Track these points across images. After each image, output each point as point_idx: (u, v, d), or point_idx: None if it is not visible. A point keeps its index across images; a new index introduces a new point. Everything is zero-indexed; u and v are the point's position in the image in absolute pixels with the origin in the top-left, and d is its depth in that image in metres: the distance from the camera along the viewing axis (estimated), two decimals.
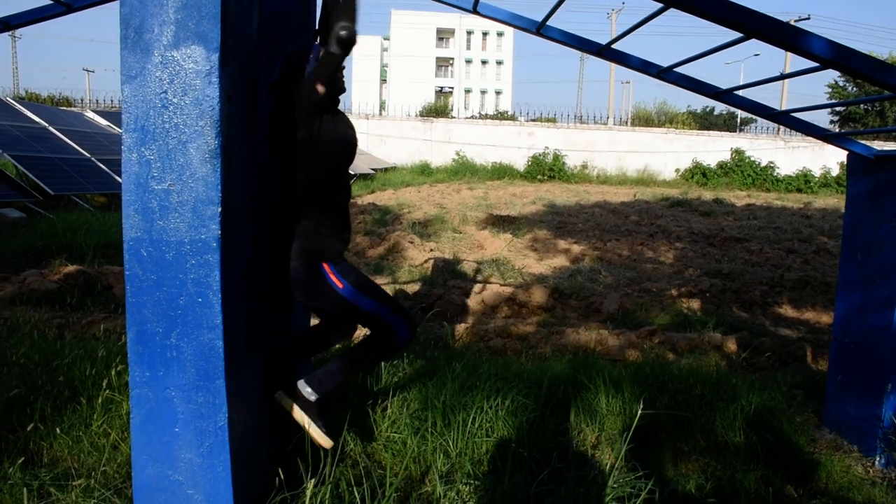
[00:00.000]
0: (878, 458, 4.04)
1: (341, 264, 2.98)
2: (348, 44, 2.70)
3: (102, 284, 7.39)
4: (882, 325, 4.05)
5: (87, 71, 54.51)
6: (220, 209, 2.24)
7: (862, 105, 45.77)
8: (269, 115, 2.93)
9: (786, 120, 4.14)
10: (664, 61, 4.04)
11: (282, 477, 2.85)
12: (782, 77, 3.73)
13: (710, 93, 4.00)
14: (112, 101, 36.85)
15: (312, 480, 2.60)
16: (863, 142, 4.23)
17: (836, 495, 3.55)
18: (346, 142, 3.07)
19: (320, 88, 2.82)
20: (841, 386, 4.41)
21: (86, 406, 3.64)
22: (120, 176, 8.12)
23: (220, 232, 2.25)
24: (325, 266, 2.92)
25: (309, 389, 3.00)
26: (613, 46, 3.86)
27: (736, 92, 3.99)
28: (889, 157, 4.08)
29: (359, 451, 3.44)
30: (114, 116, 21.33)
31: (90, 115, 21.08)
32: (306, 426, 2.96)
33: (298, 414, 2.97)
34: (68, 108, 27.91)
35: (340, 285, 2.92)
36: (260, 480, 2.75)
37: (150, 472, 2.39)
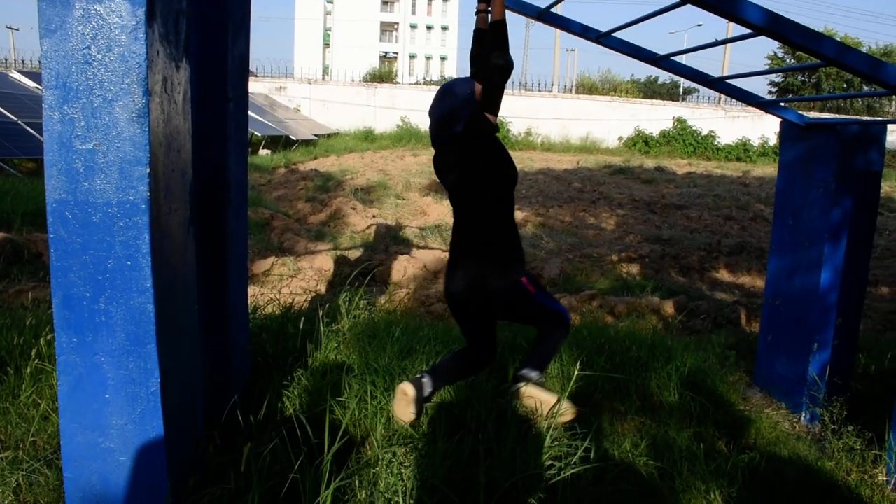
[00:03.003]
0: (803, 415, 4.19)
1: (530, 275, 3.47)
2: (508, 72, 3.01)
3: (31, 252, 7.15)
4: (810, 286, 4.17)
5: (12, 29, 50.77)
6: (148, 170, 2.17)
7: (800, 77, 46.71)
8: (456, 164, 3.32)
9: (722, 87, 4.20)
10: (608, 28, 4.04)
11: (218, 442, 2.83)
12: (717, 43, 3.78)
13: (649, 58, 4.02)
14: (40, 61, 35.44)
15: (249, 445, 2.58)
16: (798, 111, 4.32)
17: (764, 450, 3.67)
18: (512, 159, 3.39)
19: (492, 118, 3.17)
20: (771, 346, 4.55)
21: (13, 377, 3.53)
22: None
23: (148, 193, 2.18)
24: (525, 280, 3.38)
25: (534, 374, 3.48)
26: (553, 10, 3.84)
27: (674, 58, 4.02)
28: (819, 124, 4.18)
29: (298, 415, 3.43)
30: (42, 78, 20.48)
31: (15, 75, 20.17)
32: (548, 399, 3.40)
33: (538, 392, 3.42)
34: None
35: (534, 291, 3.42)
36: (196, 446, 2.72)
37: (79, 441, 2.34)
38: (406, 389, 3.24)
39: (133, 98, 2.13)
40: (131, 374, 2.28)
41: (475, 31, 3.67)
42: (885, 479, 3.46)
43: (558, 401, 3.38)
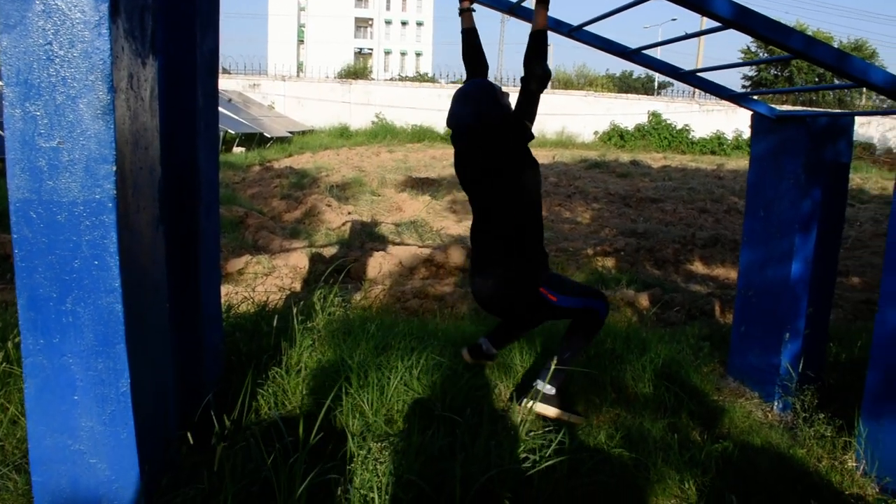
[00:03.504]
0: (775, 404, 4.24)
1: (550, 281, 3.45)
2: (546, 81, 3.14)
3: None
4: (781, 277, 4.22)
5: None
6: (114, 168, 2.14)
7: (773, 71, 47.12)
8: (477, 169, 3.37)
9: (693, 80, 4.23)
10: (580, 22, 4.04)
11: (191, 442, 2.80)
12: (686, 37, 3.80)
13: (620, 52, 4.04)
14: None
15: (222, 444, 2.56)
16: (769, 105, 4.36)
17: (737, 439, 3.71)
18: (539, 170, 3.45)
19: (529, 124, 3.20)
20: (744, 337, 4.59)
21: None
22: None
23: (115, 192, 2.16)
24: (543, 290, 3.39)
25: (548, 386, 3.46)
26: (525, 5, 3.84)
27: (645, 52, 4.04)
28: (789, 117, 4.22)
29: (273, 413, 3.41)
30: None
31: None
32: (560, 417, 3.48)
33: (545, 409, 3.45)
34: None
35: (555, 299, 3.41)
36: (169, 446, 2.69)
37: (48, 444, 2.31)
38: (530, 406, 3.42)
39: (98, 95, 2.10)
40: (100, 374, 2.25)
41: (463, 32, 3.71)
42: (854, 464, 3.51)
43: (567, 417, 3.50)
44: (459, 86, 3.51)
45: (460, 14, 3.72)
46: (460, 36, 3.75)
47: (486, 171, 3.35)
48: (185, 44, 3.12)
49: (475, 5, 3.80)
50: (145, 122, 2.42)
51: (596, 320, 3.53)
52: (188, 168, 3.25)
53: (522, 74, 3.20)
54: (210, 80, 3.41)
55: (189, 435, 2.81)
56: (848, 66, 3.03)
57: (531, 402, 3.42)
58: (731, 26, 2.94)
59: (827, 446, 3.62)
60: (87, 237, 2.18)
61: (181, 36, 3.10)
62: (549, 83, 3.21)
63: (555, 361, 3.44)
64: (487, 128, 3.27)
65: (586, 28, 3.88)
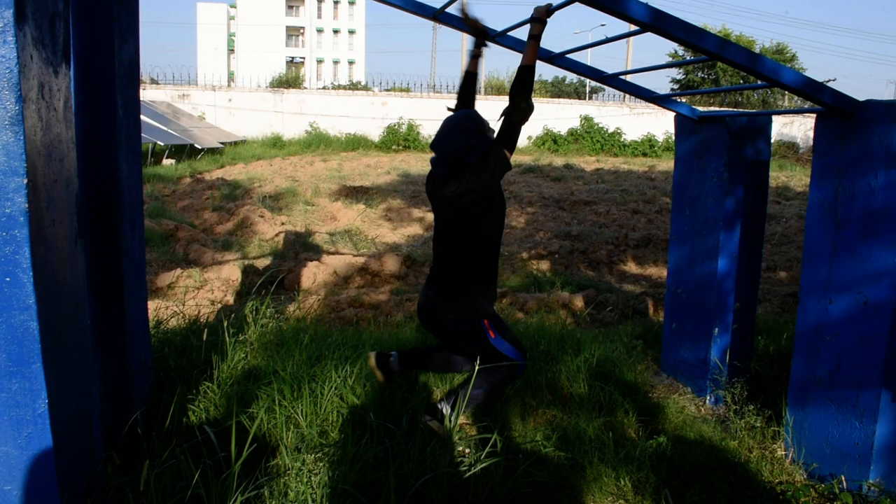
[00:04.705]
0: (708, 398, 4.34)
1: (495, 319, 3.58)
2: (529, 114, 3.25)
3: None
4: (708, 273, 4.32)
5: None
6: (26, 180, 2.06)
7: (700, 74, 48.28)
8: (456, 196, 3.37)
9: (615, 82, 4.29)
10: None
11: (118, 462, 2.72)
12: (607, 41, 3.87)
13: (544, 57, 4.07)
14: None
15: (148, 462, 2.49)
16: (692, 106, 4.46)
17: (672, 434, 3.78)
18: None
19: (509, 153, 3.28)
20: (675, 333, 4.68)
21: None
22: None
23: (27, 205, 2.07)
24: (486, 322, 3.48)
25: (448, 409, 3.47)
26: (448, 10, 3.85)
27: (568, 56, 4.08)
28: (710, 117, 4.33)
29: (205, 428, 3.33)
30: None
31: None
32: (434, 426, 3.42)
33: (440, 427, 3.40)
34: None
35: (493, 336, 3.50)
36: (92, 467, 2.60)
37: None
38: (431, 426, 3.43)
39: (4, 105, 2.01)
40: (14, 396, 2.16)
41: (466, 73, 3.84)
42: (783, 453, 3.62)
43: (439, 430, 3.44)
44: (447, 115, 3.59)
45: (470, 58, 3.82)
46: (462, 75, 3.89)
47: (454, 205, 3.39)
48: (103, 52, 3.03)
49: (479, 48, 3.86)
50: (59, 132, 2.34)
51: (514, 374, 3.63)
52: (110, 180, 3.16)
53: (509, 106, 3.27)
54: (131, 89, 3.32)
55: (115, 455, 2.73)
56: (760, 67, 3.12)
57: (433, 423, 3.43)
58: (647, 29, 2.99)
59: (757, 436, 3.71)
60: None
61: (98, 44, 3.02)
62: (529, 114, 3.30)
63: (473, 394, 3.52)
64: (472, 155, 3.34)
65: (510, 34, 3.91)
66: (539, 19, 3.22)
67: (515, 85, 3.26)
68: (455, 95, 3.92)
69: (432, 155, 3.51)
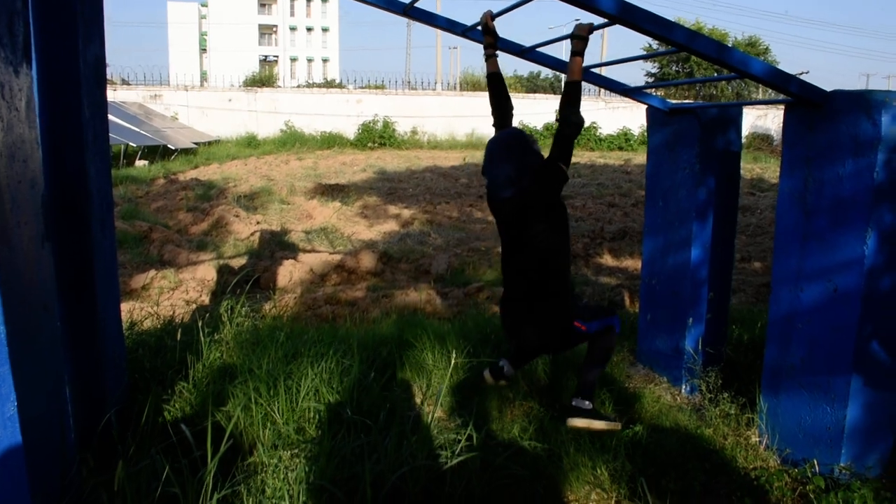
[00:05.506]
0: (683, 387, 4.37)
1: (579, 312, 3.53)
2: (580, 128, 3.28)
3: None
4: (682, 263, 4.35)
5: None
6: None
7: (674, 67, 48.49)
8: (514, 221, 3.42)
9: (587, 76, 4.30)
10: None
11: (92, 463, 2.70)
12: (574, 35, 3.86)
13: (515, 51, 4.09)
14: None
15: (121, 462, 2.47)
16: (664, 99, 4.48)
17: (648, 423, 3.82)
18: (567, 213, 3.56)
19: (564, 167, 3.28)
20: (650, 324, 4.72)
21: None
22: None
23: None
24: (577, 324, 3.45)
25: (586, 402, 3.49)
26: (417, 5, 3.84)
27: (539, 50, 4.10)
28: (681, 109, 4.36)
29: (182, 427, 3.31)
30: None
31: None
32: (601, 427, 3.46)
33: (587, 423, 3.45)
34: None
35: (585, 329, 3.47)
36: (66, 468, 2.58)
37: None
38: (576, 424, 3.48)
39: None
40: None
41: (488, 76, 3.78)
42: (757, 439, 3.66)
43: (611, 427, 3.51)
44: (492, 135, 3.63)
45: (486, 60, 3.77)
46: (486, 81, 3.82)
47: (520, 219, 3.39)
48: (67, 52, 3.00)
49: (496, 51, 3.82)
50: (22, 133, 2.31)
51: (613, 335, 3.62)
52: (77, 181, 3.13)
53: (561, 121, 3.29)
54: (97, 89, 3.29)
55: (90, 456, 2.71)
56: (728, 58, 3.14)
57: (579, 421, 3.46)
58: (616, 21, 3.01)
59: (732, 424, 3.75)
60: None
61: (61, 43, 2.99)
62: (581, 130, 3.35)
63: (586, 379, 3.56)
64: (524, 191, 3.34)
65: (479, 28, 3.91)
66: (581, 36, 3.23)
67: (564, 100, 3.29)
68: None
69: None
